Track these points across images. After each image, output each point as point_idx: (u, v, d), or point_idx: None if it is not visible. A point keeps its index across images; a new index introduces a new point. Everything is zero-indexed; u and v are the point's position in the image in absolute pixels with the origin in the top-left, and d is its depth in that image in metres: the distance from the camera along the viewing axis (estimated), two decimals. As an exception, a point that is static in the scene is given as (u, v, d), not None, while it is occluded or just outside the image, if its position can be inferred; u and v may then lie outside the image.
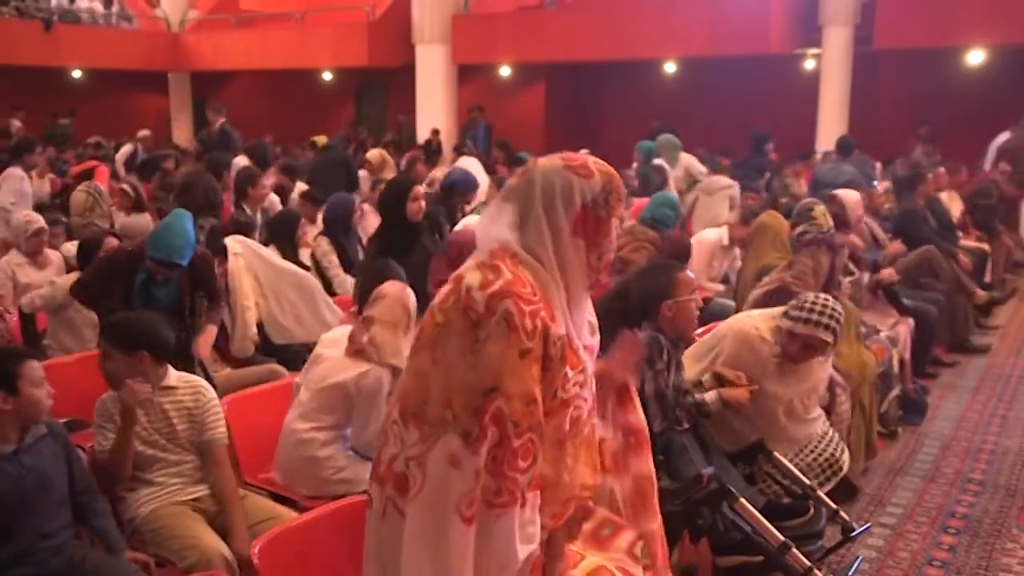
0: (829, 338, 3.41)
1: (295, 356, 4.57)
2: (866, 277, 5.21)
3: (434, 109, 15.09)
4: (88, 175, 8.02)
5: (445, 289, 1.87)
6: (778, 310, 3.61)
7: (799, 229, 4.70)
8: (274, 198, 7.10)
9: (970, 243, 7.65)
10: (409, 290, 3.31)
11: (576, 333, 1.90)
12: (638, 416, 2.22)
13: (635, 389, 2.23)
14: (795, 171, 9.91)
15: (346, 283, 5.29)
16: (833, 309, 3.45)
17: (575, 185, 1.86)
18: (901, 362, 5.03)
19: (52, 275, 4.74)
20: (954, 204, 8.00)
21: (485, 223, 1.94)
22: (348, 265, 5.46)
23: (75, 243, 4.99)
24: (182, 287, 4.04)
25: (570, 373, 1.85)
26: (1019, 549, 3.71)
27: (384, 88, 18.21)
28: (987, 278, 7.62)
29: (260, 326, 4.63)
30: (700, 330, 3.70)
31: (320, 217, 6.36)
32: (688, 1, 13.34)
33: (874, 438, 4.43)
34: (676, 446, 3.22)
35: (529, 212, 1.86)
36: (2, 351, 3.09)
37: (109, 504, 2.86)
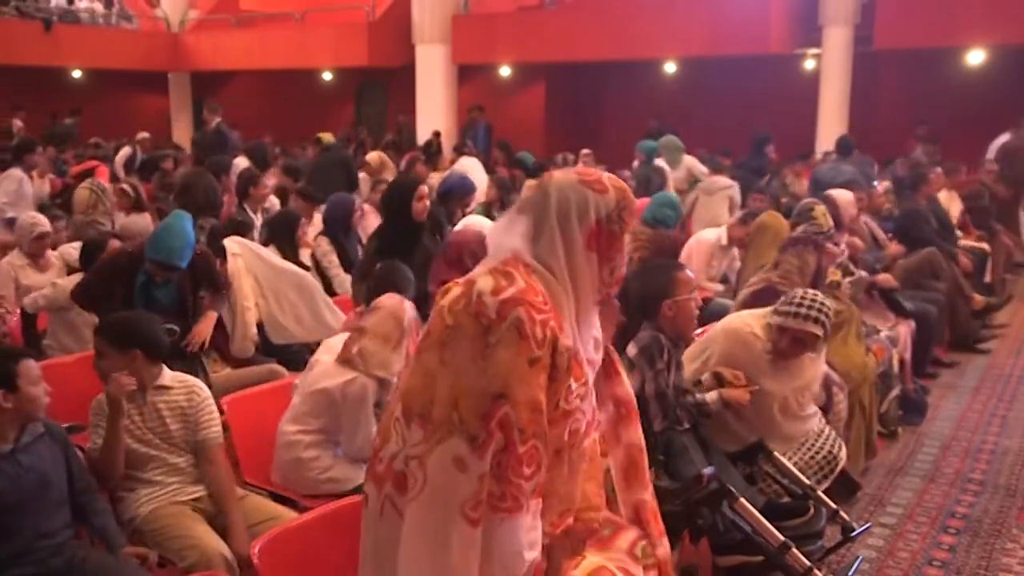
0: (819, 331, 3.42)
1: (295, 356, 4.57)
2: (866, 276, 5.21)
3: (434, 109, 15.09)
4: (88, 175, 8.01)
5: (455, 291, 1.87)
6: (768, 309, 3.62)
7: (799, 229, 4.71)
8: (274, 199, 7.10)
9: (970, 243, 7.66)
10: (408, 304, 3.32)
11: (582, 346, 1.91)
12: (625, 388, 2.23)
13: (619, 361, 2.23)
14: (795, 171, 9.92)
15: (346, 283, 5.29)
16: (822, 303, 3.46)
17: (590, 200, 1.88)
18: (901, 362, 5.03)
19: (53, 277, 4.73)
20: (953, 204, 8.01)
21: (498, 232, 1.95)
22: (348, 265, 5.45)
23: (76, 245, 4.99)
24: (183, 287, 4.05)
25: (574, 385, 1.87)
26: (1019, 549, 3.71)
27: (384, 88, 18.21)
28: (987, 278, 7.63)
29: (260, 326, 4.64)
30: (699, 330, 3.70)
31: (316, 215, 6.37)
32: (688, 1, 13.33)
33: (874, 438, 4.44)
34: (676, 446, 3.22)
35: (543, 225, 1.88)
36: (0, 351, 3.10)
37: (109, 504, 2.86)
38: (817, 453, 3.57)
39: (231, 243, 4.71)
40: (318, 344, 3.58)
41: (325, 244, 5.51)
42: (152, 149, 11.67)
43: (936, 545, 3.73)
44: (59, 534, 2.65)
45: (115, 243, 4.71)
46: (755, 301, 4.03)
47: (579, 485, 1.96)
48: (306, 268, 5.16)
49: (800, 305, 3.45)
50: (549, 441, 1.84)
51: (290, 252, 5.25)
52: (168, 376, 3.08)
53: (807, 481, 3.36)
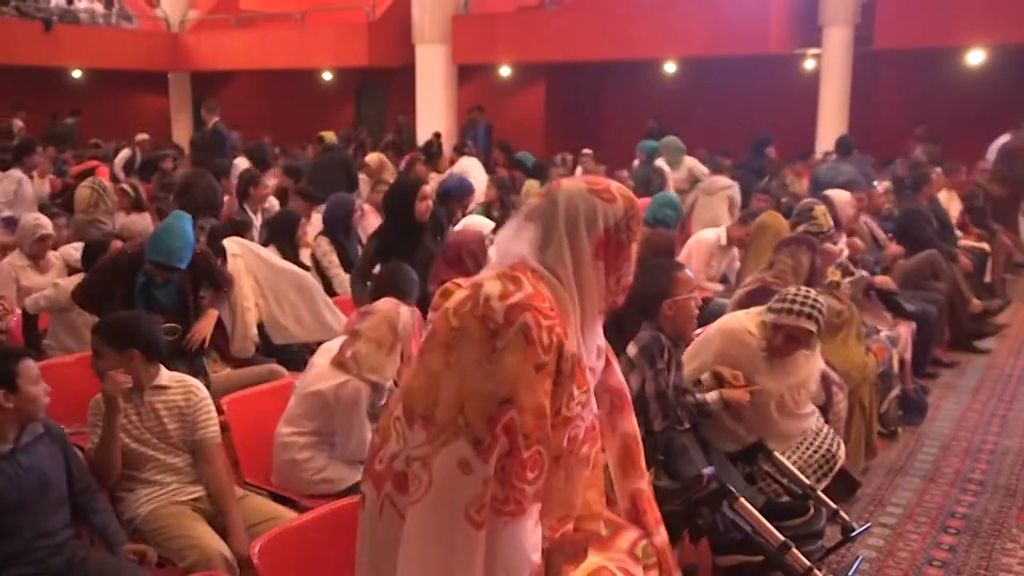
0: (812, 327, 3.44)
1: (295, 356, 4.57)
2: (866, 276, 5.22)
3: (434, 109, 15.09)
4: (88, 175, 8.01)
5: (461, 294, 1.87)
6: (763, 307, 3.65)
7: (800, 229, 4.72)
8: (273, 200, 7.10)
9: (970, 243, 7.66)
10: (404, 308, 3.33)
11: (585, 353, 1.92)
12: (617, 377, 2.24)
13: (611, 350, 2.23)
14: (795, 171, 9.92)
15: (346, 283, 5.29)
16: (815, 300, 3.48)
17: (599, 209, 1.88)
18: (901, 362, 5.03)
19: (53, 278, 4.73)
20: (953, 204, 8.01)
21: (506, 239, 1.96)
22: (348, 265, 5.45)
23: (78, 246, 4.98)
24: (183, 287, 4.05)
25: (576, 392, 1.87)
26: (1019, 549, 3.71)
27: (384, 88, 18.22)
28: (987, 278, 7.63)
29: (260, 326, 4.64)
30: (698, 331, 3.71)
31: (315, 215, 6.37)
32: (688, 1, 13.33)
33: (874, 438, 4.44)
34: (677, 446, 3.22)
35: (552, 233, 1.88)
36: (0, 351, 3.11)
37: (110, 503, 2.87)
38: (816, 452, 3.57)
39: (231, 243, 4.71)
40: (318, 345, 3.58)
41: (325, 244, 5.52)
42: (151, 150, 11.66)
43: (936, 545, 3.73)
44: (58, 534, 2.65)
45: (117, 244, 4.71)
46: (750, 301, 4.04)
47: (579, 492, 1.96)
48: (306, 268, 5.17)
49: (794, 302, 3.46)
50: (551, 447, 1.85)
51: (290, 252, 5.25)
52: (165, 376, 3.08)
53: (807, 481, 3.36)
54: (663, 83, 15.97)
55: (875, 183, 8.04)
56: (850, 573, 3.28)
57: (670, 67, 15.61)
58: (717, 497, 2.84)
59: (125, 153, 11.42)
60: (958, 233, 7.60)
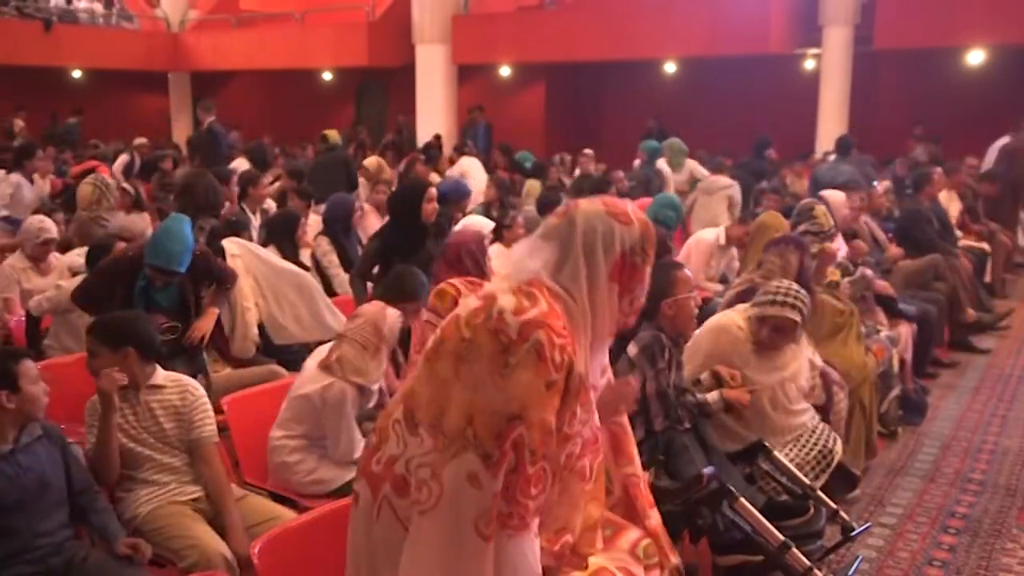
0: (796, 316, 3.52)
1: (295, 356, 4.56)
2: (870, 274, 5.22)
3: (434, 109, 15.08)
4: (90, 174, 8.00)
5: (473, 304, 1.87)
6: (749, 303, 3.73)
7: (800, 228, 4.73)
8: (270, 201, 7.09)
9: (970, 243, 7.66)
10: (390, 311, 3.34)
11: (591, 373, 1.93)
12: (609, 374, 2.25)
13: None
14: (795, 171, 9.92)
15: (346, 283, 5.28)
16: (797, 291, 3.58)
17: (616, 232, 1.90)
18: (901, 362, 5.03)
19: (54, 281, 4.73)
20: (952, 204, 8.00)
21: (522, 254, 1.95)
22: (348, 265, 5.45)
23: (82, 251, 4.98)
24: (184, 289, 4.05)
25: (578, 411, 1.88)
26: (1019, 549, 3.71)
27: (384, 88, 18.21)
28: (987, 278, 7.63)
29: (260, 327, 4.63)
30: (698, 331, 3.72)
31: (314, 215, 6.37)
32: (688, 1, 13.33)
33: (874, 438, 4.44)
34: (677, 446, 3.23)
35: (568, 253, 1.89)
36: (1, 352, 3.11)
37: (110, 503, 2.87)
38: (812, 449, 3.59)
39: (230, 244, 4.71)
40: (318, 345, 3.58)
41: (325, 244, 5.51)
42: (150, 152, 11.64)
43: (936, 545, 3.73)
44: (57, 533, 2.65)
45: (121, 245, 4.70)
46: (739, 301, 4.08)
47: (579, 506, 1.98)
48: (306, 268, 5.16)
49: (776, 293, 3.57)
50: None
51: (290, 252, 5.25)
52: (161, 376, 3.08)
53: (807, 480, 3.36)
54: (663, 83, 15.97)
55: (875, 183, 8.04)
56: (850, 573, 3.29)
57: (670, 67, 15.61)
58: (717, 497, 2.84)
59: (123, 158, 11.41)
60: (958, 233, 7.60)
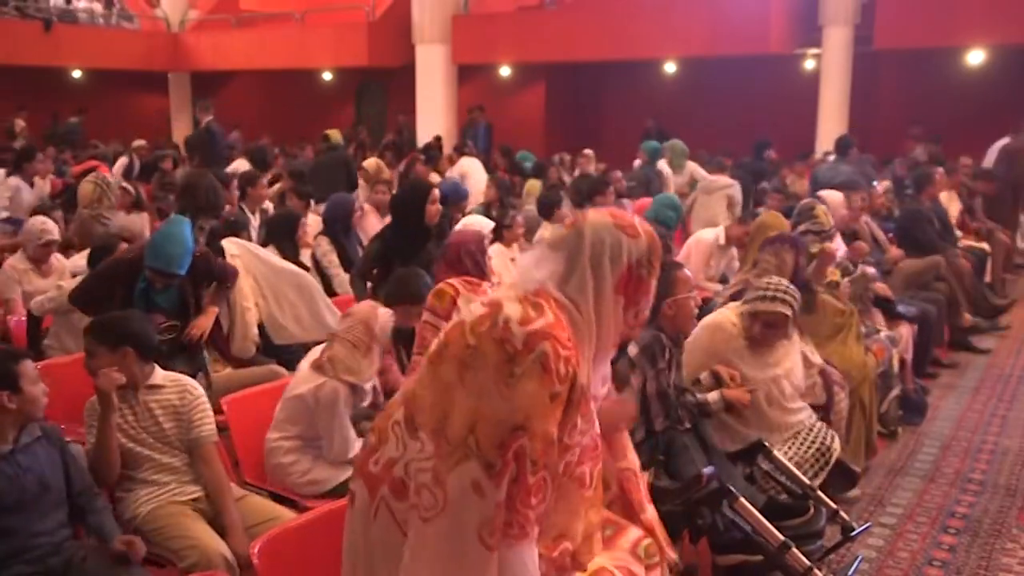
0: (786, 311, 3.57)
1: (295, 356, 4.55)
2: (872, 272, 5.22)
3: (434, 109, 15.08)
4: (90, 173, 8.00)
5: (479, 311, 1.86)
6: (742, 301, 3.77)
7: (801, 228, 4.73)
8: (267, 203, 7.09)
9: (970, 242, 7.66)
10: (382, 310, 3.34)
11: (593, 384, 1.93)
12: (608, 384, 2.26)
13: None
14: (795, 171, 9.92)
15: (346, 283, 5.28)
16: (788, 287, 3.64)
17: (624, 244, 1.90)
18: (901, 362, 5.03)
19: (55, 282, 4.73)
20: (952, 204, 8.00)
21: (528, 264, 1.95)
22: (348, 265, 5.45)
23: (84, 254, 4.98)
24: (184, 291, 4.05)
25: (579, 422, 1.89)
26: (1019, 549, 3.71)
27: (384, 88, 18.21)
28: (987, 278, 7.63)
29: (260, 326, 4.63)
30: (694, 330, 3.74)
31: (313, 215, 6.36)
32: (688, 1, 13.33)
33: (874, 438, 4.44)
34: (677, 445, 3.23)
35: (575, 264, 1.89)
36: (1, 353, 3.11)
37: (109, 503, 2.87)
38: (810, 447, 3.60)
39: (229, 244, 4.71)
40: (317, 345, 3.58)
41: (325, 244, 5.51)
42: (150, 154, 11.64)
43: (936, 545, 3.73)
44: (56, 533, 2.65)
45: (124, 246, 4.70)
46: (734, 301, 4.09)
47: (579, 514, 1.98)
48: (306, 268, 5.16)
49: (767, 289, 3.62)
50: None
51: (290, 252, 5.25)
52: (160, 375, 3.08)
53: (807, 480, 3.36)
54: (663, 83, 15.97)
55: (875, 183, 8.04)
56: (850, 573, 3.29)
57: (670, 67, 15.61)
58: (717, 497, 2.84)
59: (123, 161, 11.42)
60: (958, 233, 7.60)
